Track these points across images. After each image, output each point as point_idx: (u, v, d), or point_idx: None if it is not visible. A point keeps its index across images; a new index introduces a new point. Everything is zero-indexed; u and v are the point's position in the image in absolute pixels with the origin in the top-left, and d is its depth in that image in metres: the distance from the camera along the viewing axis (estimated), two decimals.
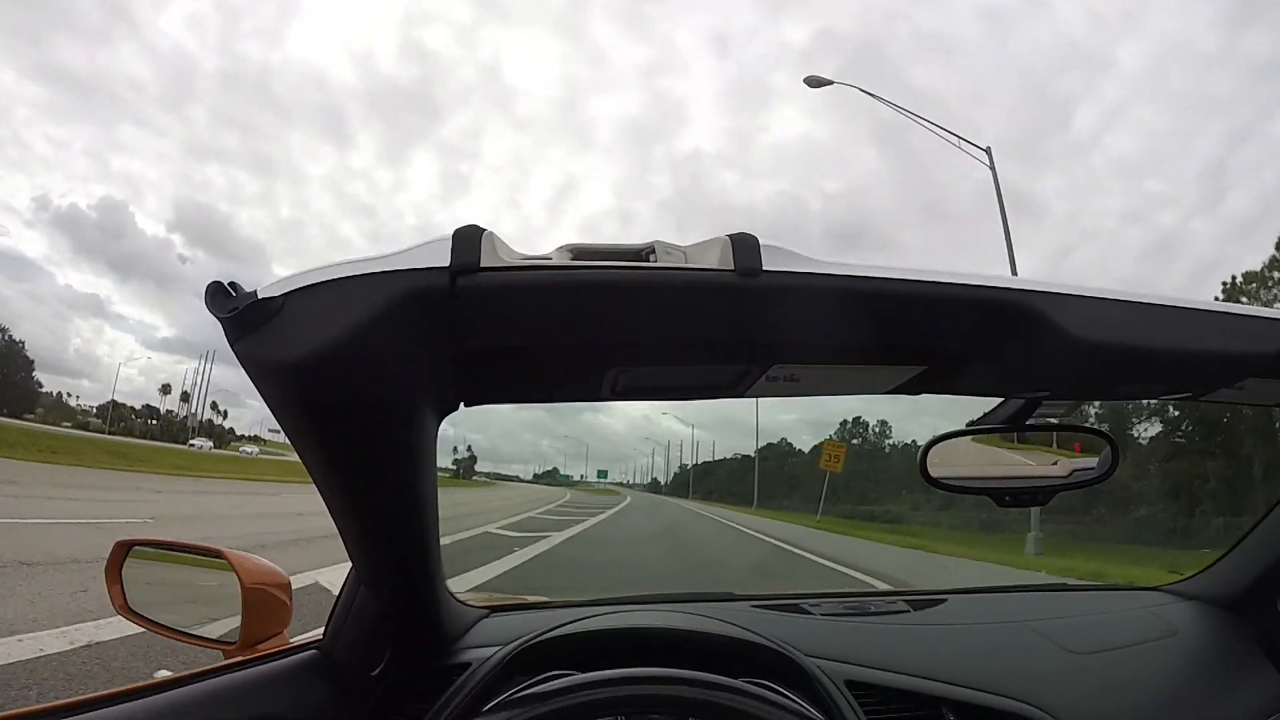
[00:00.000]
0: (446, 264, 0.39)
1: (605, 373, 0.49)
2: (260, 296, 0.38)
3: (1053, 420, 0.84)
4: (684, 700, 0.61)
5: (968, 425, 0.82)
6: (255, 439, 69.26)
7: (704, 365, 0.50)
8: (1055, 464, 0.85)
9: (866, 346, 0.48)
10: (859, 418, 44.45)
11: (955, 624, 1.07)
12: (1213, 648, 1.02)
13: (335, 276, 0.39)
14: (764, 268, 0.41)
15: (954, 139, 12.37)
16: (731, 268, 0.41)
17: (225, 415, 73.11)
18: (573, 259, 0.42)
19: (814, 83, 12.92)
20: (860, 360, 0.50)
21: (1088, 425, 0.89)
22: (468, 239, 0.40)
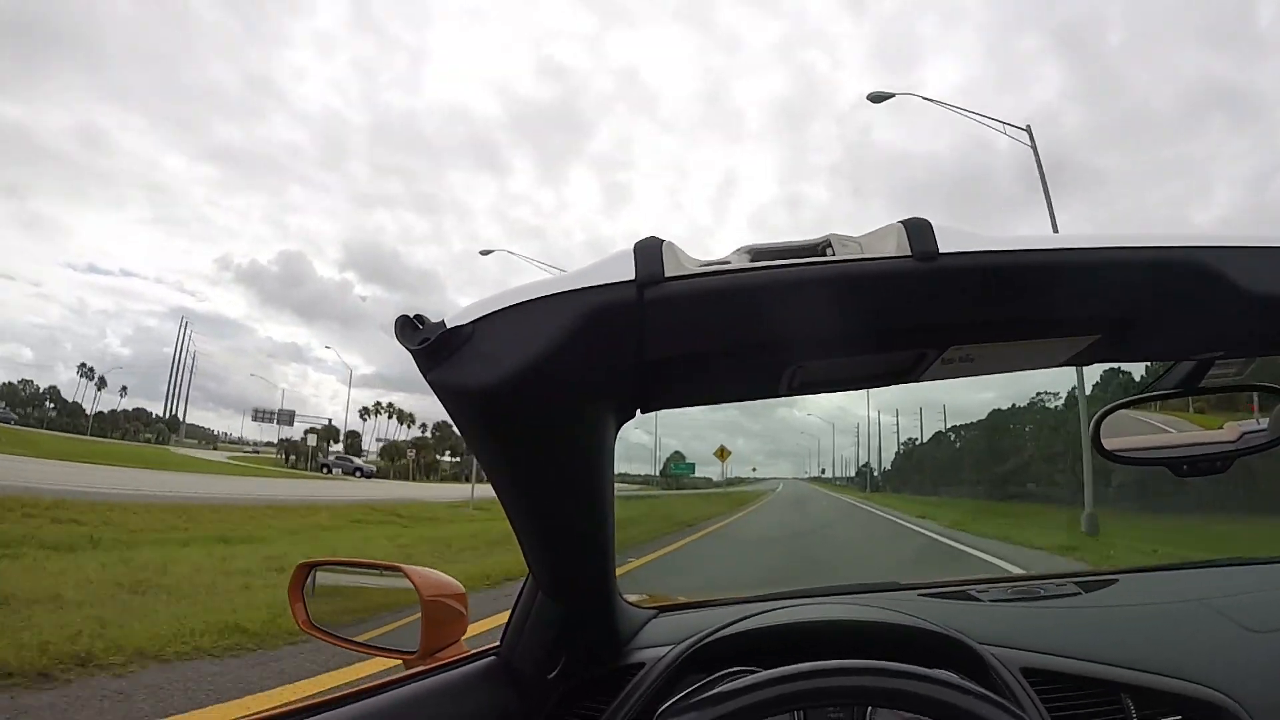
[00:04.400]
0: (632, 277, 0.40)
1: (784, 370, 0.50)
2: (450, 326, 0.40)
3: (1226, 380, 0.79)
4: (871, 690, 0.60)
5: (1137, 393, 0.78)
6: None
7: (881, 354, 0.50)
8: (1227, 428, 0.80)
9: (1042, 320, 0.47)
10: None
11: (1128, 605, 1.02)
12: None
13: (523, 299, 0.41)
14: (940, 250, 0.41)
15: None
16: (909, 254, 0.41)
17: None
18: (751, 261, 0.43)
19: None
20: (1035, 335, 0.50)
21: (1264, 384, 0.83)
22: (649, 251, 0.41)
